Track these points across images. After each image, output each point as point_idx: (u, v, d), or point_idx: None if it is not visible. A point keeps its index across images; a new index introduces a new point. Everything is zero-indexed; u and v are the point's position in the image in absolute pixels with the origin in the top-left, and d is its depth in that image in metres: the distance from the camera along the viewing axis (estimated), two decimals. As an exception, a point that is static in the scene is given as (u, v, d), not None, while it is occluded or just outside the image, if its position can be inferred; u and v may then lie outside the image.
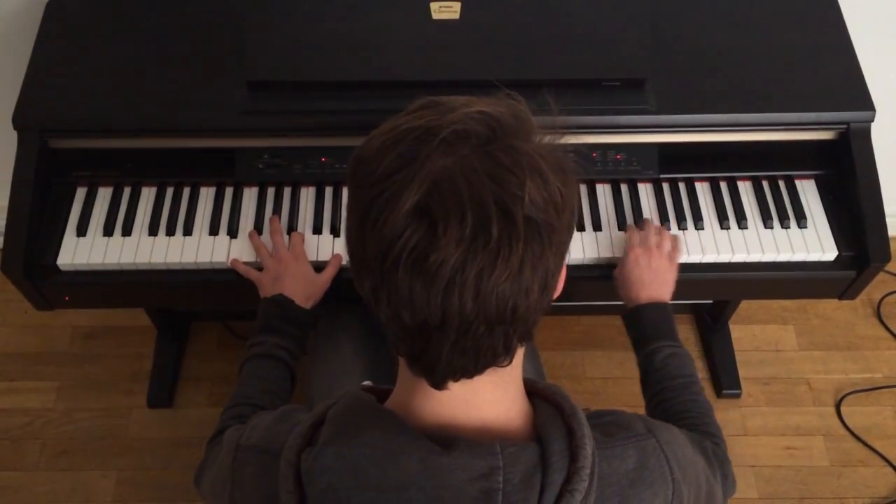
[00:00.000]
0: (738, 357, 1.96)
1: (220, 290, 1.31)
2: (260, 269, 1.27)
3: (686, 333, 2.01)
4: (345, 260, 1.28)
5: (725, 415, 1.90)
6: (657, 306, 1.20)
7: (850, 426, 1.88)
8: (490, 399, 0.72)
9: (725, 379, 1.92)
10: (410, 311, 0.63)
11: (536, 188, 0.61)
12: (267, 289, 1.23)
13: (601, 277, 1.29)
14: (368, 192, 0.63)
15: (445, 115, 0.64)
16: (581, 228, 1.32)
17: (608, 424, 0.78)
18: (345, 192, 1.35)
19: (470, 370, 0.68)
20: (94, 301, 1.37)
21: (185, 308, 1.94)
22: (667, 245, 1.26)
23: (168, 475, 1.82)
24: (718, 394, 1.92)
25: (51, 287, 1.30)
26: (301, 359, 1.20)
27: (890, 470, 1.83)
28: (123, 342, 2.00)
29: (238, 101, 1.30)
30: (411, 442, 0.68)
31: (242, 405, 1.09)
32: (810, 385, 1.95)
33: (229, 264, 1.28)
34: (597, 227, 1.33)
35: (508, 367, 0.71)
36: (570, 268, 1.26)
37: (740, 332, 2.00)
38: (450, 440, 0.68)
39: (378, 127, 0.68)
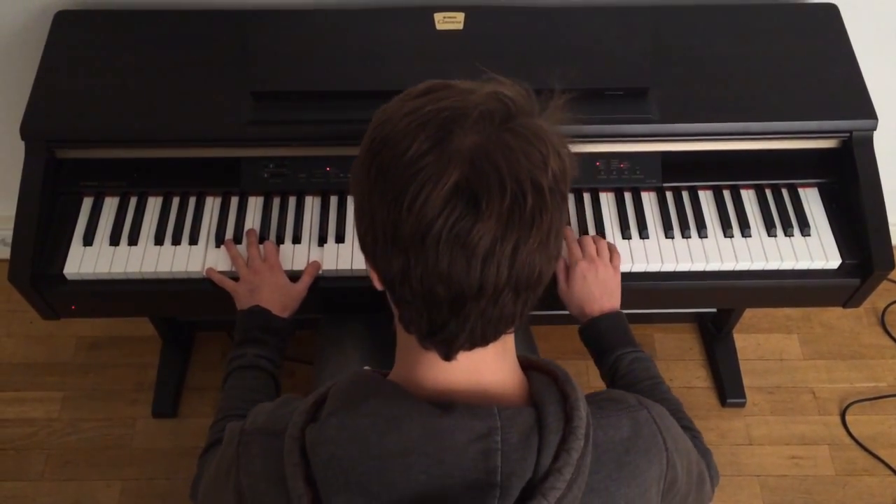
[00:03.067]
0: (743, 366, 1.96)
1: (227, 298, 1.32)
2: (236, 278, 1.28)
3: (690, 342, 2.01)
4: (322, 269, 1.29)
5: (730, 424, 1.90)
6: (611, 316, 1.22)
7: (856, 435, 1.88)
8: (491, 367, 0.75)
9: (730, 388, 1.92)
10: (447, 284, 0.65)
11: (555, 160, 0.65)
12: (243, 300, 1.24)
13: (605, 286, 1.29)
14: (401, 172, 0.64)
15: (466, 96, 0.66)
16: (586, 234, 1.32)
17: (601, 400, 0.81)
18: (350, 201, 1.36)
19: (488, 337, 0.71)
20: (101, 310, 1.38)
21: (191, 317, 1.94)
22: (606, 253, 1.27)
23: (172, 485, 1.81)
24: (723, 403, 1.91)
25: (57, 296, 1.30)
26: (282, 367, 1.21)
27: (895, 479, 1.82)
28: (128, 352, 2.00)
29: (243, 111, 1.31)
30: (412, 406, 0.70)
31: (230, 418, 1.09)
32: (815, 394, 1.95)
33: (204, 273, 1.29)
34: (600, 235, 1.33)
35: (509, 336, 0.74)
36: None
37: (744, 341, 2.00)
38: (449, 403, 0.70)
39: (385, 111, 0.70)
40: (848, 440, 1.88)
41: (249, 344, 1.18)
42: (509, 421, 0.69)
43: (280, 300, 1.23)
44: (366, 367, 1.14)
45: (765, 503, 1.80)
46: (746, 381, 1.94)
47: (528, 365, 0.80)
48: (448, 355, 0.71)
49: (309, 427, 0.72)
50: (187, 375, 1.96)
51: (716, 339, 1.97)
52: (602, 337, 1.20)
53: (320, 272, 1.29)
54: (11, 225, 1.28)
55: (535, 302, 0.71)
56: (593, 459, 0.72)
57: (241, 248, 1.31)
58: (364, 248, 0.71)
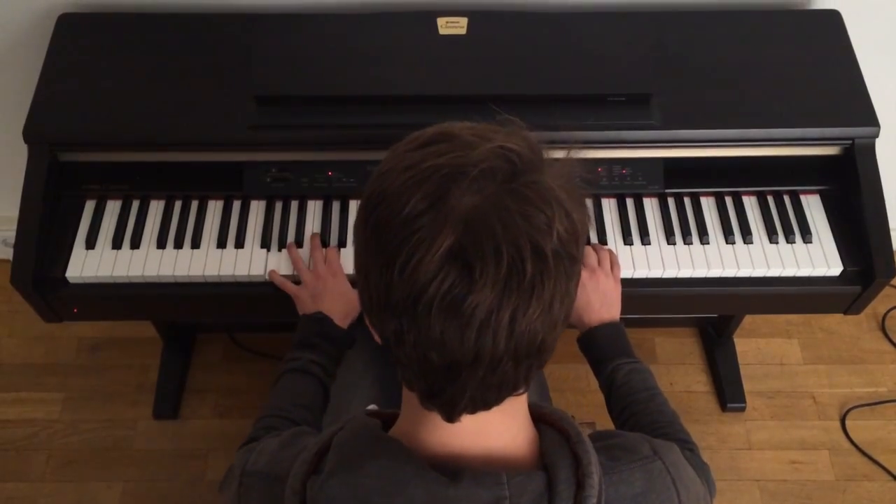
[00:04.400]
0: (743, 371, 1.96)
1: (229, 302, 1.32)
2: (297, 282, 1.28)
3: (690, 347, 2.01)
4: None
5: (730, 428, 1.90)
6: (611, 326, 1.21)
7: (855, 440, 1.88)
8: (499, 428, 0.72)
9: (730, 392, 1.92)
10: (440, 351, 0.62)
11: (561, 222, 0.62)
12: (306, 305, 1.24)
13: (607, 292, 1.29)
14: (394, 233, 0.61)
15: (468, 152, 0.62)
16: (586, 243, 1.32)
17: (613, 448, 0.78)
18: (352, 205, 1.36)
19: (490, 403, 0.68)
20: (103, 313, 1.38)
21: (194, 320, 1.95)
22: (607, 263, 1.27)
23: (173, 487, 1.82)
24: (723, 408, 1.92)
25: (59, 300, 1.30)
26: (335, 378, 1.20)
27: (895, 484, 1.82)
28: (129, 354, 2.00)
29: (246, 115, 1.31)
30: (417, 473, 0.67)
31: (274, 417, 1.09)
32: (815, 399, 1.95)
33: (267, 276, 1.29)
34: (602, 241, 1.33)
35: (520, 395, 0.71)
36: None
37: (745, 346, 2.01)
38: (456, 471, 0.68)
39: (388, 160, 0.66)
40: (848, 445, 1.88)
41: (306, 349, 1.17)
42: (518, 489, 0.67)
43: (342, 308, 1.23)
44: (371, 406, 1.14)
45: (764, 508, 1.80)
46: (747, 386, 1.94)
47: (540, 417, 0.77)
48: (450, 418, 0.68)
49: (310, 480, 0.71)
50: (188, 377, 1.97)
51: (716, 344, 1.98)
52: (600, 347, 1.20)
53: None
54: (13, 226, 1.28)
55: (541, 367, 0.68)
56: None
57: (304, 252, 1.30)
58: (363, 306, 0.69)
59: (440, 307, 0.60)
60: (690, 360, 2.00)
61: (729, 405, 1.91)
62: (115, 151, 1.34)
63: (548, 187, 0.62)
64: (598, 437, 0.83)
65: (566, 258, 0.63)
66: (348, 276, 1.28)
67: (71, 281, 1.30)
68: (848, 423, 1.91)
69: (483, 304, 0.59)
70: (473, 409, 0.68)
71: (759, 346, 2.02)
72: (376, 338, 0.71)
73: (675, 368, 1.98)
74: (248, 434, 1.10)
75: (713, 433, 1.89)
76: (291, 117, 1.32)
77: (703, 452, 1.78)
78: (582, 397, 1.92)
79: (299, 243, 1.32)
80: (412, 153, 0.65)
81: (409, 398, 0.72)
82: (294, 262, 1.29)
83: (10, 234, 1.31)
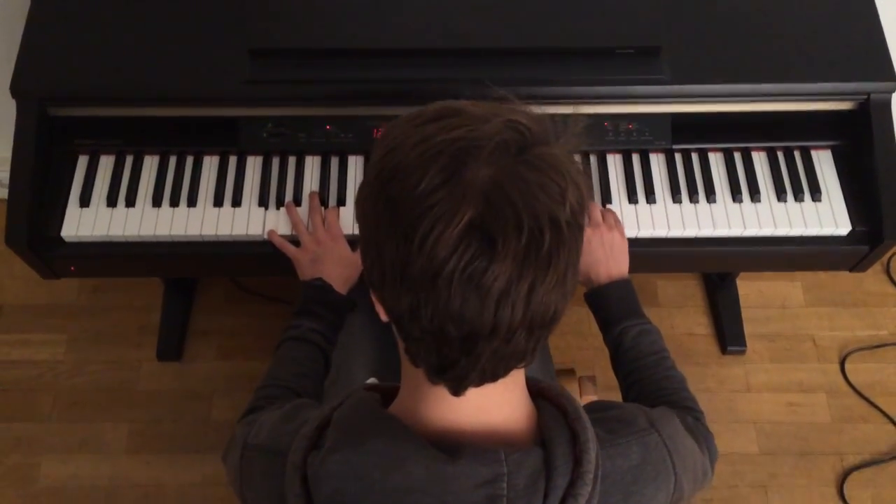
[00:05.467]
0: (745, 314, 1.96)
1: (228, 261, 1.31)
2: (296, 242, 1.26)
3: (692, 290, 2.01)
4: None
5: (729, 371, 1.91)
6: (619, 284, 1.19)
7: (854, 383, 1.89)
8: (499, 402, 0.72)
9: (731, 336, 1.92)
10: (458, 323, 0.62)
11: (573, 193, 0.63)
12: (305, 270, 1.22)
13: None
14: (411, 208, 0.61)
15: (479, 125, 0.62)
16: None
17: (610, 420, 0.79)
18: (350, 161, 1.33)
19: (499, 374, 0.68)
20: (101, 271, 1.38)
21: (195, 276, 1.94)
22: (610, 218, 1.25)
23: (179, 428, 1.85)
24: (723, 350, 1.93)
25: (56, 259, 1.29)
26: (336, 344, 1.20)
27: (891, 427, 1.85)
28: (131, 295, 2.00)
29: (240, 69, 1.26)
30: (417, 450, 0.68)
31: (274, 386, 1.09)
32: (815, 342, 1.96)
33: (266, 235, 1.27)
34: (606, 198, 1.31)
35: (520, 370, 0.71)
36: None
37: (747, 289, 2.00)
38: (455, 447, 0.68)
39: (394, 135, 0.65)
40: (846, 388, 1.90)
41: (307, 316, 1.16)
42: (516, 466, 0.67)
43: (342, 273, 1.22)
44: (370, 380, 1.13)
45: (760, 449, 1.83)
46: (748, 329, 1.94)
47: (538, 392, 0.77)
48: (457, 391, 0.69)
49: (311, 455, 0.71)
50: (191, 319, 1.97)
51: (718, 287, 1.97)
52: (608, 306, 1.18)
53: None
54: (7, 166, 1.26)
55: (548, 337, 0.69)
56: (600, 492, 0.70)
57: (302, 211, 1.28)
58: (370, 281, 0.68)
59: (461, 279, 0.60)
60: (692, 303, 1.99)
61: (729, 348, 1.92)
62: (106, 106, 1.29)
63: (558, 158, 0.64)
64: (595, 408, 0.84)
65: (577, 228, 0.64)
66: (347, 236, 1.26)
67: (67, 240, 1.28)
68: (847, 365, 1.92)
69: (503, 275, 0.60)
70: (481, 382, 0.68)
71: (761, 288, 2.01)
72: (382, 315, 0.70)
73: (677, 311, 1.98)
74: (248, 402, 1.10)
75: (712, 376, 1.91)
76: (287, 71, 1.27)
77: (702, 395, 1.80)
78: (583, 340, 1.93)
79: (297, 201, 1.30)
80: (421, 128, 0.64)
81: (412, 375, 0.72)
82: (294, 223, 1.27)
83: (4, 174, 1.29)
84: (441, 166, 0.61)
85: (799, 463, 1.81)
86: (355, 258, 1.23)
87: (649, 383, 1.10)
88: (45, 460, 1.82)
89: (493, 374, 0.68)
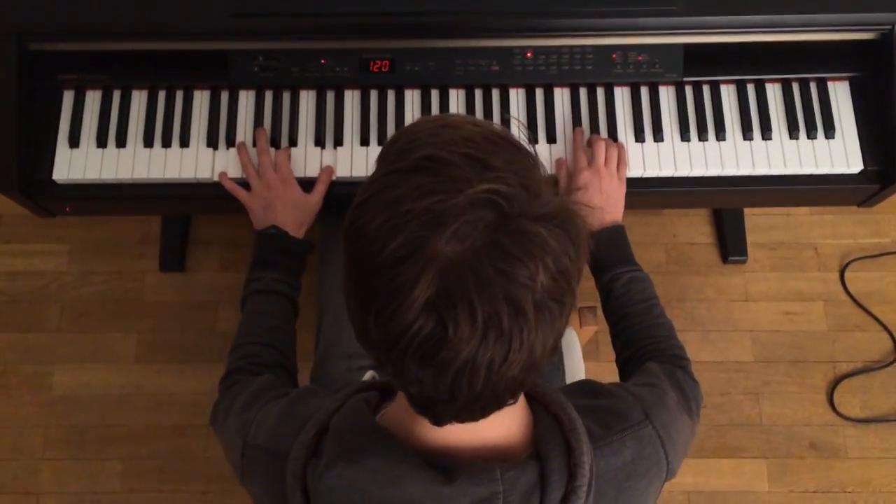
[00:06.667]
0: (748, 221, 1.94)
1: (227, 203, 1.27)
2: (247, 185, 1.23)
3: (697, 198, 1.98)
4: (336, 175, 1.24)
5: (729, 280, 1.92)
6: (613, 230, 1.18)
7: (852, 292, 1.90)
8: (491, 424, 0.72)
9: (732, 245, 1.91)
10: (417, 387, 0.63)
11: (546, 271, 0.59)
12: (258, 217, 1.21)
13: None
14: (371, 278, 0.60)
15: (451, 196, 0.58)
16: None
17: (605, 412, 0.80)
18: (347, 94, 1.28)
19: (477, 419, 0.68)
20: (97, 211, 1.35)
21: (194, 214, 1.90)
22: (613, 163, 1.22)
23: (186, 338, 1.88)
24: (724, 260, 1.92)
25: (50, 201, 1.27)
26: (301, 289, 1.20)
27: (885, 335, 1.88)
28: (129, 205, 1.98)
29: (228, 1, 1.19)
30: (413, 471, 0.69)
31: (249, 344, 1.11)
32: (817, 250, 1.95)
33: (217, 178, 1.24)
34: (612, 137, 1.26)
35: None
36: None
37: (752, 196, 1.97)
38: (451, 467, 0.70)
39: (373, 179, 0.63)
40: (844, 297, 1.91)
41: (267, 267, 1.16)
42: (511, 484, 0.68)
43: (296, 217, 1.20)
44: (369, 374, 1.13)
45: (755, 357, 1.87)
46: (750, 238, 1.93)
47: (535, 396, 0.77)
48: (438, 425, 0.69)
49: (310, 464, 0.73)
50: (191, 229, 1.96)
51: (723, 195, 1.94)
52: (600, 252, 1.17)
53: (334, 178, 1.24)
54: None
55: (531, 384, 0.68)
56: (594, 492, 0.72)
57: (253, 151, 1.25)
58: (351, 323, 0.67)
59: (415, 355, 0.60)
60: (695, 212, 1.97)
61: (730, 258, 1.91)
62: (88, 41, 1.23)
63: (534, 234, 0.59)
64: (588, 393, 0.85)
65: (553, 303, 0.61)
66: (299, 178, 1.23)
67: (59, 182, 1.25)
68: (847, 274, 1.92)
69: (458, 356, 0.59)
70: (461, 422, 0.69)
71: (766, 195, 1.98)
72: None
73: (680, 220, 1.97)
74: (227, 363, 1.11)
75: (712, 285, 1.92)
76: (277, 4, 1.20)
77: (700, 305, 1.82)
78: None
79: (293, 141, 1.26)
80: (396, 180, 0.61)
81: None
82: (243, 165, 1.23)
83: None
84: (404, 240, 0.58)
85: (791, 371, 1.85)
86: (308, 200, 1.22)
87: (638, 330, 1.12)
88: (58, 370, 1.86)
89: (470, 419, 0.68)
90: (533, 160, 0.64)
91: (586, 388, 0.87)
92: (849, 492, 1.75)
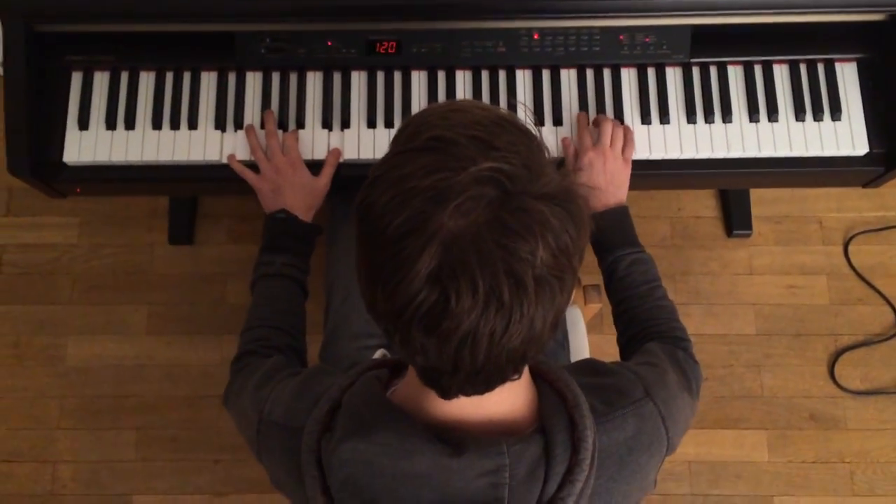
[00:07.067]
0: (753, 194, 1.94)
1: (237, 184, 1.29)
2: (255, 167, 1.24)
3: (703, 170, 1.98)
4: (343, 157, 1.26)
5: (733, 254, 1.93)
6: (617, 211, 1.19)
7: (855, 265, 1.91)
8: (498, 399, 0.75)
9: (737, 219, 1.92)
10: (423, 357, 0.66)
11: (546, 247, 0.62)
12: (267, 200, 1.22)
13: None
14: (378, 252, 0.63)
15: (455, 174, 0.61)
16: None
17: (607, 389, 0.83)
18: (354, 76, 1.28)
19: (481, 392, 0.71)
20: (107, 192, 1.37)
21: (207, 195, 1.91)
22: (619, 144, 1.22)
23: (197, 310, 1.91)
24: (729, 233, 1.93)
25: (61, 183, 1.28)
26: (309, 272, 1.22)
27: (888, 308, 1.89)
28: (138, 178, 1.99)
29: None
30: (423, 445, 0.72)
31: (259, 328, 1.13)
32: (822, 224, 1.96)
33: (225, 160, 1.25)
34: (619, 117, 1.27)
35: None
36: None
37: (758, 169, 1.97)
38: (459, 440, 0.72)
39: (384, 160, 0.66)
40: (847, 270, 1.92)
41: (276, 252, 1.18)
42: (517, 456, 0.71)
43: (304, 200, 1.21)
44: (379, 352, 1.15)
45: (757, 330, 1.89)
46: (755, 211, 1.94)
47: (539, 373, 0.80)
48: (446, 398, 0.72)
49: (324, 438, 0.76)
50: (199, 202, 1.98)
51: (729, 169, 1.94)
52: (603, 233, 1.18)
53: (341, 160, 1.26)
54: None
55: (534, 359, 0.70)
56: (596, 465, 0.75)
57: (261, 133, 1.26)
58: (362, 296, 0.70)
59: (419, 325, 0.63)
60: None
61: (735, 231, 1.92)
62: (94, 23, 1.23)
63: (535, 211, 0.62)
64: (589, 370, 0.88)
65: (553, 279, 0.64)
66: (307, 161, 1.24)
67: (69, 164, 1.26)
68: (851, 248, 1.93)
69: (460, 326, 0.62)
70: (468, 394, 0.72)
71: (772, 169, 1.98)
72: None
73: (685, 193, 1.97)
74: (238, 345, 1.13)
75: (716, 259, 1.93)
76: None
77: (704, 278, 1.83)
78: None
79: (300, 123, 1.27)
80: (404, 160, 0.64)
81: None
82: (252, 148, 1.24)
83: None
84: (408, 215, 0.61)
85: (793, 343, 1.88)
86: (316, 184, 1.23)
87: (640, 312, 1.13)
88: (71, 342, 1.90)
89: (475, 392, 0.70)
90: (537, 143, 0.66)
91: (590, 366, 0.90)
92: (847, 462, 1.79)
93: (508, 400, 0.76)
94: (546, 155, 0.67)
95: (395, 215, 0.62)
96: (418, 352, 0.65)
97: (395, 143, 0.69)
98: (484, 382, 0.69)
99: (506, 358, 0.65)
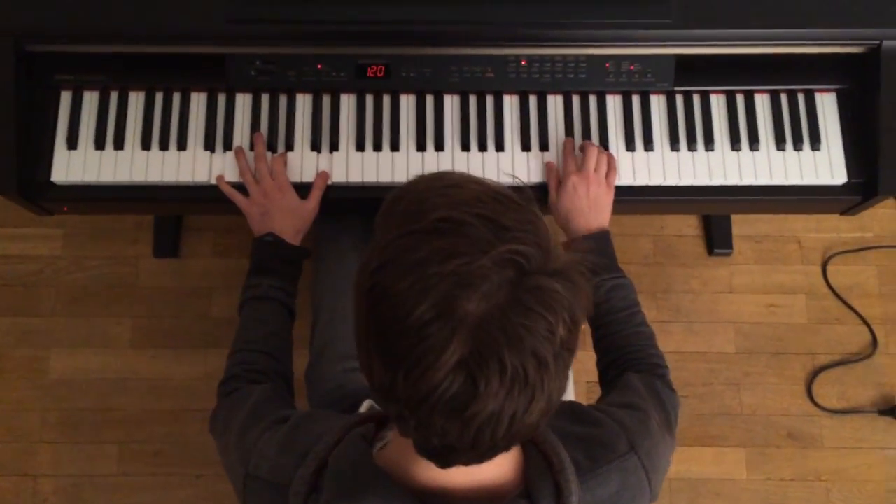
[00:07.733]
0: (734, 215, 1.97)
1: (225, 205, 1.29)
2: (243, 188, 1.25)
3: (685, 190, 2.01)
4: (331, 180, 1.26)
5: (714, 272, 1.96)
6: (598, 236, 1.21)
7: (833, 285, 1.95)
8: (489, 465, 0.75)
9: (718, 238, 1.95)
10: (440, 439, 0.66)
11: (563, 324, 0.63)
12: (255, 223, 1.23)
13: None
14: (400, 339, 0.62)
15: (476, 258, 0.61)
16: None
17: (592, 442, 0.84)
18: (343, 99, 1.29)
19: (484, 461, 0.71)
20: (95, 210, 1.38)
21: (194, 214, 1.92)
22: (603, 169, 1.24)
23: (180, 323, 1.91)
24: (710, 252, 1.96)
25: (48, 201, 1.29)
26: (297, 294, 1.22)
27: (864, 328, 1.92)
28: (123, 190, 1.99)
29: (225, 6, 1.19)
30: None
31: (247, 351, 1.13)
32: (801, 244, 1.99)
33: (213, 181, 1.26)
34: (603, 143, 1.29)
35: None
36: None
37: (739, 190, 2.00)
38: None
39: (388, 243, 0.65)
40: (825, 289, 1.95)
41: (264, 274, 1.19)
42: None
43: (292, 224, 1.22)
44: (366, 403, 1.16)
45: (737, 348, 1.92)
46: (736, 230, 1.97)
47: None
48: (444, 467, 0.71)
49: (311, 499, 0.76)
50: (184, 216, 1.97)
51: (711, 189, 1.97)
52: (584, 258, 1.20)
53: (329, 182, 1.27)
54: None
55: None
56: None
57: (250, 156, 1.26)
58: (362, 369, 0.70)
59: (443, 410, 0.63)
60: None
61: (716, 250, 1.95)
62: (85, 44, 1.24)
63: (552, 290, 0.63)
64: (576, 419, 0.88)
65: (566, 353, 0.65)
66: (295, 184, 1.25)
67: (57, 184, 1.27)
68: (829, 268, 1.96)
69: (486, 409, 0.62)
70: (467, 464, 0.72)
71: (753, 189, 2.01)
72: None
73: (668, 212, 2.00)
74: (225, 368, 1.14)
75: (697, 277, 1.96)
76: (274, 9, 1.20)
77: (685, 297, 1.85)
78: None
79: (290, 145, 1.28)
80: (415, 242, 0.64)
81: (402, 437, 0.75)
82: (241, 171, 1.25)
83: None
84: (433, 302, 0.61)
85: (771, 362, 1.91)
86: (304, 207, 1.24)
87: (619, 338, 1.15)
88: (54, 354, 1.89)
89: (478, 461, 0.71)
90: (537, 216, 0.67)
91: (574, 412, 0.90)
92: (823, 480, 1.82)
93: (499, 465, 0.76)
94: (546, 227, 0.68)
95: (418, 302, 0.61)
96: (436, 434, 0.65)
97: (391, 219, 0.68)
98: (492, 454, 0.70)
99: (523, 432, 0.67)
